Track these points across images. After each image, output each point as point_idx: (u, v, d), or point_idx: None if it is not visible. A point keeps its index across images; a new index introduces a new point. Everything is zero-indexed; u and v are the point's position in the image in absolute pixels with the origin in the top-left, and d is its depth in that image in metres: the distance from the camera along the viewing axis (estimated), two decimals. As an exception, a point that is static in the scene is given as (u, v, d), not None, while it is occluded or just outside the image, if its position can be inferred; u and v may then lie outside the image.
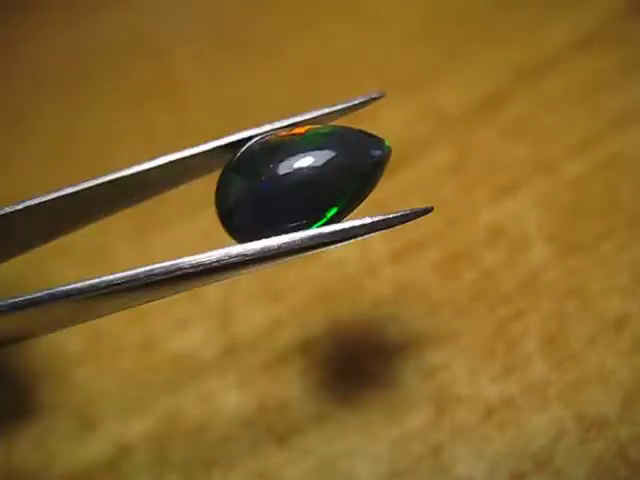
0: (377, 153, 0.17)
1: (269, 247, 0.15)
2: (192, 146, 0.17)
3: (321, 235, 0.15)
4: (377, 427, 0.20)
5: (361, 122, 0.25)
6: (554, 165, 0.23)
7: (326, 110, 0.17)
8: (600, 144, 0.23)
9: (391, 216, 0.16)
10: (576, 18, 0.26)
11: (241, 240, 0.16)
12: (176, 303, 0.22)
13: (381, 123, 0.25)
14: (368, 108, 0.25)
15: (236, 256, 0.15)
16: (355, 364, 0.21)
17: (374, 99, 0.18)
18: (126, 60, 0.28)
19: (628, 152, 0.23)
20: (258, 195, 0.16)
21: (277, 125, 0.17)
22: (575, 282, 0.21)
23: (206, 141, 0.17)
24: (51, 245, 0.23)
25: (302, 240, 0.15)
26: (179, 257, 0.15)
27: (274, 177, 0.16)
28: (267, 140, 0.16)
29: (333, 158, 0.16)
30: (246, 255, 0.15)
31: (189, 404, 0.21)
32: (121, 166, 0.25)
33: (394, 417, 0.20)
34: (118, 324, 0.22)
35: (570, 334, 0.20)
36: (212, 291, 0.22)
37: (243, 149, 0.16)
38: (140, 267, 0.15)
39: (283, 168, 0.16)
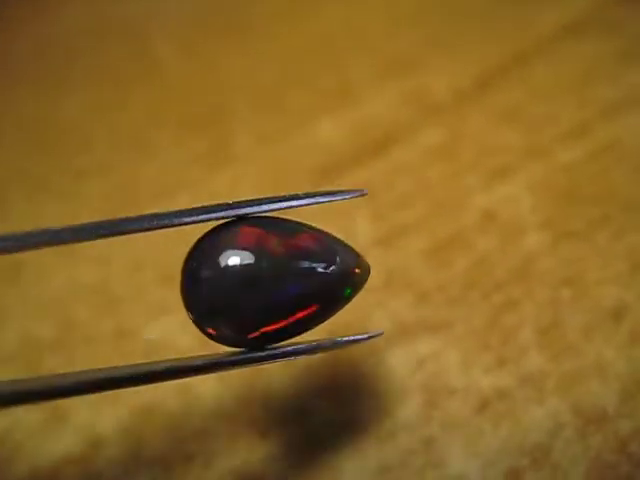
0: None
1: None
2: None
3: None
4: (365, 421, 0.19)
5: (348, 105, 0.24)
6: (547, 150, 0.22)
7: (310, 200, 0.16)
8: (594, 130, 0.22)
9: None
10: (568, 4, 0.25)
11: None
12: (151, 290, 0.21)
13: (369, 105, 0.24)
14: (355, 91, 0.25)
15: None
16: (342, 354, 0.20)
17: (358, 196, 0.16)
18: (106, 45, 0.27)
19: (622, 138, 0.22)
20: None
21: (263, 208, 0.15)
22: (570, 270, 0.20)
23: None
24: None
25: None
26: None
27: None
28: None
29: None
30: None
31: (165, 395, 0.20)
32: (100, 150, 0.24)
33: (382, 409, 0.19)
34: (92, 311, 0.21)
35: (566, 324, 0.19)
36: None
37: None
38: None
39: None
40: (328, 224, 0.21)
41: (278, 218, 0.15)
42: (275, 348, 0.15)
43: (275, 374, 0.20)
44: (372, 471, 0.18)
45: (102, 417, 0.20)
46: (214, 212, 0.15)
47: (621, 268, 0.20)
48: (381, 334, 0.16)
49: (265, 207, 0.15)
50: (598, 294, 0.20)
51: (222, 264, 0.14)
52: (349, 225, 0.21)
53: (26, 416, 0.20)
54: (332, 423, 0.19)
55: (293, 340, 0.16)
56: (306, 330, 0.16)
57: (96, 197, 0.23)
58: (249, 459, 0.19)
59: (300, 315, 0.15)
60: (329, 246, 0.15)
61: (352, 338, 0.16)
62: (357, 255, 0.16)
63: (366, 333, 0.16)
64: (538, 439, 0.18)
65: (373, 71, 0.24)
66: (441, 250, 0.21)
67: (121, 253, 0.22)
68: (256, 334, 0.15)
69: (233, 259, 0.14)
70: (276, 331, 0.15)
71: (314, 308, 0.15)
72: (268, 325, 0.15)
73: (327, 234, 0.16)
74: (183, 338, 0.20)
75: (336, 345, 0.16)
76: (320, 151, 0.23)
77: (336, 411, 0.19)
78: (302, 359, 0.20)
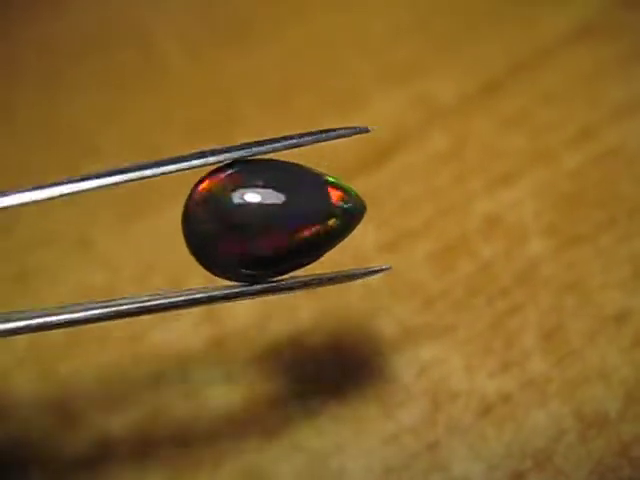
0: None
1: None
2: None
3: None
4: (370, 422, 0.19)
5: (354, 110, 0.24)
6: (552, 155, 0.22)
7: (306, 138, 0.16)
8: (599, 135, 0.22)
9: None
10: (573, 9, 0.25)
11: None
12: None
13: (375, 109, 0.24)
14: (361, 96, 0.25)
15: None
16: (347, 358, 0.20)
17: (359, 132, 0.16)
18: (112, 47, 0.27)
19: (628, 143, 0.22)
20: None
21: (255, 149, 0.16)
22: (574, 275, 0.20)
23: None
24: (34, 233, 0.23)
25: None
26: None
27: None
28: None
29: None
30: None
31: (174, 398, 0.20)
32: (106, 154, 0.24)
33: (387, 412, 0.19)
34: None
35: (570, 329, 0.19)
36: (196, 282, 0.22)
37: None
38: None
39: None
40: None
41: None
42: (270, 282, 0.16)
43: (283, 377, 0.20)
44: (377, 472, 0.18)
45: (112, 421, 0.20)
46: (212, 156, 0.16)
47: (625, 273, 0.20)
48: (388, 269, 0.16)
49: (263, 148, 0.16)
50: (602, 299, 0.20)
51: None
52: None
53: (38, 419, 0.20)
54: (337, 425, 0.19)
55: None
56: (296, 262, 0.16)
57: (103, 201, 0.24)
58: (257, 460, 0.19)
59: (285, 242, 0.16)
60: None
61: (352, 272, 0.16)
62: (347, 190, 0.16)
63: (368, 268, 0.16)
64: (541, 443, 0.18)
65: (379, 76, 0.25)
66: (446, 255, 0.21)
67: (130, 257, 0.22)
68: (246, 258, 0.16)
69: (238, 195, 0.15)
70: (262, 260, 0.16)
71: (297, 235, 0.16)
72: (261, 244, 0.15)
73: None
74: (193, 341, 0.21)
75: (334, 280, 0.16)
76: (326, 155, 0.23)
77: (341, 413, 0.19)
78: (310, 363, 0.20)
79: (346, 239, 0.20)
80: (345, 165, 0.23)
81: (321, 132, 0.16)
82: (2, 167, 0.24)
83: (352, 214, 0.16)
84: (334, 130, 0.16)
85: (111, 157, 0.25)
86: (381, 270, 0.17)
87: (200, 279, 0.21)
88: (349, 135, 0.16)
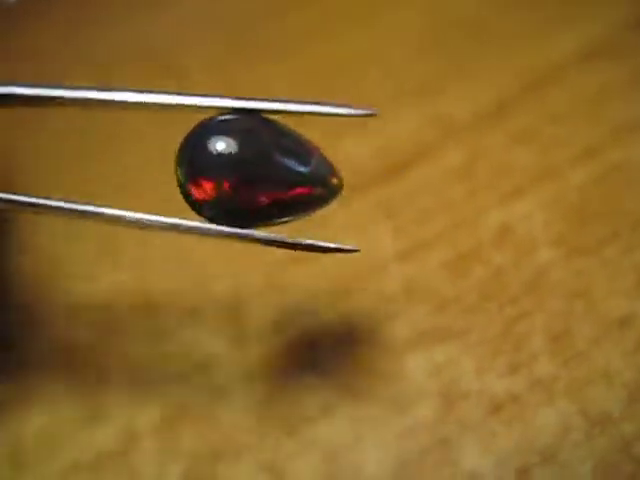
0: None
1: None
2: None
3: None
4: (384, 419, 0.20)
5: (372, 126, 0.26)
6: (560, 171, 0.23)
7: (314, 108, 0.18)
8: (605, 152, 0.24)
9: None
10: (581, 30, 0.26)
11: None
12: (185, 296, 0.23)
13: (391, 126, 0.25)
14: (379, 112, 0.26)
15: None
16: (363, 358, 0.21)
17: (367, 115, 0.18)
18: (137, 69, 0.29)
19: (632, 160, 0.24)
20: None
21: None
22: (580, 283, 0.21)
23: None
24: (62, 232, 0.24)
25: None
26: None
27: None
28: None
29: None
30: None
31: (197, 394, 0.21)
32: (134, 168, 0.25)
33: (402, 410, 0.20)
34: (129, 314, 0.23)
35: (576, 333, 0.20)
36: (220, 285, 0.23)
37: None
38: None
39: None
40: (350, 237, 0.23)
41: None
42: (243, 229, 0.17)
43: (300, 375, 0.21)
44: (390, 466, 0.19)
45: (138, 415, 0.21)
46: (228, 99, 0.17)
47: (629, 281, 0.21)
48: (357, 251, 0.18)
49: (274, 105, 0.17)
50: (607, 305, 0.21)
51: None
52: (371, 239, 0.23)
53: (67, 412, 0.21)
54: (354, 421, 0.20)
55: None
56: (271, 220, 0.17)
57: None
58: (276, 455, 0.20)
59: (266, 198, 0.17)
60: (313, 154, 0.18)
61: (325, 246, 0.17)
62: (333, 168, 0.18)
63: (340, 246, 0.17)
64: (547, 440, 0.19)
65: (396, 94, 0.26)
66: (459, 263, 0.22)
67: (157, 258, 0.23)
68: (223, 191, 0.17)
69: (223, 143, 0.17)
70: (246, 211, 0.17)
71: (281, 195, 0.17)
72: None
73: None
74: (216, 340, 0.22)
75: (299, 245, 0.17)
76: (344, 169, 0.24)
77: (357, 411, 0.20)
78: (327, 363, 0.21)
79: (363, 248, 0.21)
80: (364, 177, 0.24)
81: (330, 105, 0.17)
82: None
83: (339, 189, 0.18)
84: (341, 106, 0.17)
85: (137, 168, 0.26)
86: (350, 250, 0.18)
87: (223, 285, 0.23)
88: (357, 115, 0.17)
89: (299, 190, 0.17)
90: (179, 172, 0.17)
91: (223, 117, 0.17)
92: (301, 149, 0.17)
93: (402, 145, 0.25)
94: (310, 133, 0.26)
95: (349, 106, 0.17)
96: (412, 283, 0.22)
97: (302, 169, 0.17)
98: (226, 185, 0.17)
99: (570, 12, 0.27)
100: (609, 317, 0.21)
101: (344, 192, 0.24)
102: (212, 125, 0.17)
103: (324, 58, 0.27)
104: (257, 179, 0.17)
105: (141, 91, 0.17)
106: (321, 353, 0.21)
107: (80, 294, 0.23)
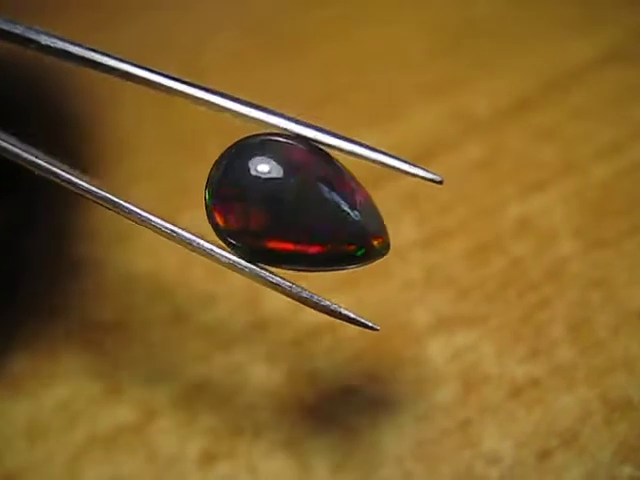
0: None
1: None
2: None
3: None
4: (403, 402, 0.20)
5: (391, 122, 0.26)
6: (582, 167, 0.24)
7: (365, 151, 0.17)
8: (626, 150, 0.24)
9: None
10: (601, 35, 0.27)
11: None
12: (202, 281, 0.23)
13: (411, 120, 0.26)
14: (398, 108, 0.26)
15: None
16: (383, 342, 0.21)
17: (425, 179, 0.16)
18: (155, 60, 0.29)
19: (652, 159, 0.24)
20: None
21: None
22: (600, 274, 0.21)
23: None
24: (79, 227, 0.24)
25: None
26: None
27: None
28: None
29: None
30: None
31: (217, 374, 0.21)
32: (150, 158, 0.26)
33: (421, 393, 0.20)
34: (146, 298, 0.23)
35: (595, 322, 0.21)
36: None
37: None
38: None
39: None
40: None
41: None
42: (263, 269, 0.16)
43: (322, 358, 0.21)
44: (409, 446, 0.19)
45: (157, 391, 0.21)
46: (281, 117, 0.16)
47: (647, 274, 0.21)
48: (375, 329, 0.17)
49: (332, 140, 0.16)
50: (626, 295, 0.21)
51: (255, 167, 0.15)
52: (394, 227, 0.23)
53: (86, 386, 0.21)
54: (373, 402, 0.20)
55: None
56: (298, 266, 0.16)
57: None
58: (295, 432, 0.20)
59: (299, 247, 0.15)
60: (363, 200, 0.16)
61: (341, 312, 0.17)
62: (382, 226, 0.17)
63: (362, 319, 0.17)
64: (568, 424, 0.19)
65: (416, 89, 0.26)
66: (479, 252, 0.22)
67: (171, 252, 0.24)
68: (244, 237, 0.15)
69: (263, 167, 0.15)
70: (271, 252, 0.16)
71: (317, 248, 0.16)
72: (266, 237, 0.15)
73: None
74: (236, 323, 0.22)
75: (316, 305, 0.16)
76: (365, 162, 0.25)
77: (376, 392, 0.20)
78: (348, 347, 0.21)
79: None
80: (384, 170, 0.24)
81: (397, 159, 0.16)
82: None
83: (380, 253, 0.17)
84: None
85: (154, 158, 0.26)
86: (369, 327, 0.17)
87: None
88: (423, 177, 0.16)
89: (332, 247, 0.16)
90: (206, 191, 0.16)
91: (266, 137, 0.16)
92: (348, 194, 0.16)
93: (423, 138, 0.25)
94: (329, 125, 0.26)
95: (423, 168, 0.16)
96: (433, 270, 0.22)
97: (347, 219, 0.16)
98: (254, 223, 0.15)
99: (590, 15, 0.27)
100: (628, 307, 0.21)
101: (364, 184, 0.24)
102: (253, 146, 0.16)
103: (345, 55, 0.28)
104: (290, 224, 0.15)
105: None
106: (340, 337, 0.21)
107: (105, 277, 0.23)
